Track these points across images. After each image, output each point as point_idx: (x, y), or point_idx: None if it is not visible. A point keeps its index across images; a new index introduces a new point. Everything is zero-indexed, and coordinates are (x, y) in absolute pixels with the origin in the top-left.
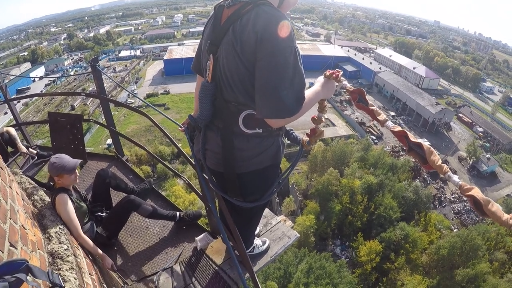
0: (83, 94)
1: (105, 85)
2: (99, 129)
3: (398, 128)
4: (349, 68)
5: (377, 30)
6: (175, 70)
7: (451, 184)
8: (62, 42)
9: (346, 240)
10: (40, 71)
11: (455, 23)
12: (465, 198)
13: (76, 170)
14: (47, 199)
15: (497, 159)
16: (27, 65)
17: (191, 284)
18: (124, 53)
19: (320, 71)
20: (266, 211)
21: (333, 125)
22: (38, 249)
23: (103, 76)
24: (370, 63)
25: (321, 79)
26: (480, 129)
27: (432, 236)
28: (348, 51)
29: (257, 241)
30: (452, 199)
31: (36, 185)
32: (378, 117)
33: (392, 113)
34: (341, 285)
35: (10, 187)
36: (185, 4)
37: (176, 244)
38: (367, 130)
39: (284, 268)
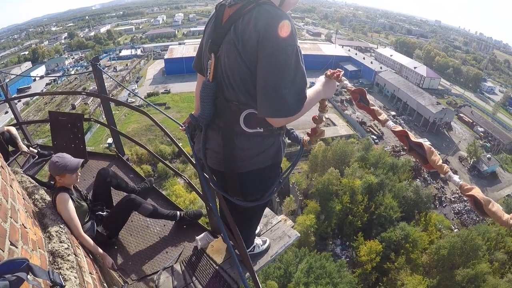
0: (83, 93)
1: (105, 84)
2: (100, 128)
3: (399, 128)
4: (350, 67)
5: (378, 29)
6: (176, 69)
7: (452, 184)
8: (62, 41)
9: (346, 240)
10: (41, 70)
11: (456, 22)
12: (465, 198)
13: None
14: (48, 198)
15: (497, 159)
16: (28, 64)
17: (192, 283)
18: (124, 52)
19: (321, 70)
20: (267, 210)
21: (334, 124)
22: (39, 248)
23: (103, 75)
24: (371, 62)
25: (322, 78)
26: (481, 129)
27: (433, 236)
28: (349, 50)
29: (258, 241)
30: (453, 199)
31: (37, 184)
32: (379, 117)
33: (393, 113)
34: (341, 284)
35: (10, 186)
36: (186, 3)
37: (177, 243)
38: (368, 129)
39: (284, 267)
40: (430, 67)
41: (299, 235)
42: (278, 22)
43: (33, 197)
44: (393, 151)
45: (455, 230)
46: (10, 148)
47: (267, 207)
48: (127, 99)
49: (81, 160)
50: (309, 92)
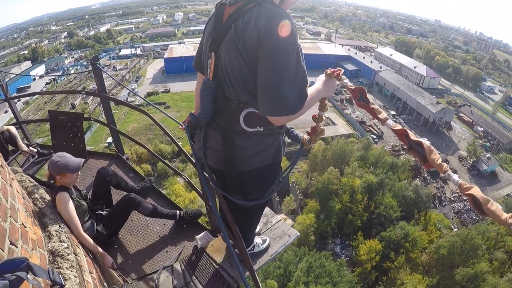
0: (83, 92)
1: (105, 83)
2: (100, 127)
3: (399, 127)
4: (350, 67)
5: (378, 29)
6: (176, 68)
7: (451, 183)
8: (62, 40)
9: (346, 239)
10: (41, 69)
11: (456, 22)
12: (465, 197)
13: None
14: (48, 197)
15: (497, 158)
16: (28, 63)
17: (191, 283)
18: (124, 52)
19: (321, 70)
20: (267, 209)
21: (334, 124)
22: (39, 248)
23: (103, 75)
24: (371, 62)
25: (322, 77)
26: (481, 129)
27: (432, 235)
28: (349, 50)
29: (258, 240)
30: (452, 198)
31: (37, 183)
32: (378, 116)
33: (393, 112)
34: (341, 284)
35: (10, 185)
36: (185, 3)
37: (176, 242)
38: (368, 129)
39: (284, 266)
40: (430, 67)
41: (298, 234)
42: (279, 20)
43: (32, 196)
44: (393, 151)
45: (455, 230)
46: (10, 148)
47: (267, 206)
48: (127, 98)
49: (83, 160)
50: (310, 90)
